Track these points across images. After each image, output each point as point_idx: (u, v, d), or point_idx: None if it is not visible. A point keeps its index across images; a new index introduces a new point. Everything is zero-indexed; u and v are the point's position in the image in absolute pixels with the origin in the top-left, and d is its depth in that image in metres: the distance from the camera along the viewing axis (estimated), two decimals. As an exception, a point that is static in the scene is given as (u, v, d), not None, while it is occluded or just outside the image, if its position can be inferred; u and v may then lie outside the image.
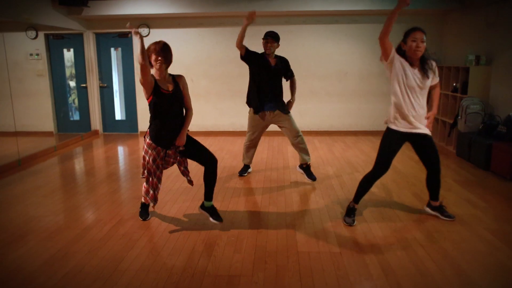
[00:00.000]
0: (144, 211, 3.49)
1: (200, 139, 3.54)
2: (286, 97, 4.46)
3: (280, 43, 4.27)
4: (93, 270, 2.63)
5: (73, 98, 7.75)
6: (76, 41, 7.41)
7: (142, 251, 2.89)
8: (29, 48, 7.05)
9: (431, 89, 3.24)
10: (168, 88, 3.09)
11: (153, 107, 3.07)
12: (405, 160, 5.29)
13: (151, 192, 3.23)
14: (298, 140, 4.37)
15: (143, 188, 3.28)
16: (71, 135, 7.17)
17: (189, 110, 3.28)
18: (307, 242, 3.00)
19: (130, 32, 7.35)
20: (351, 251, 2.85)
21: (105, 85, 7.67)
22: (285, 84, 4.44)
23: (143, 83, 2.97)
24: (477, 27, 5.87)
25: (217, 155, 5.67)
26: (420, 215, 3.50)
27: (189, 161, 3.50)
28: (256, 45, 4.45)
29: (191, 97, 3.33)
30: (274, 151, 6.04)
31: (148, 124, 3.22)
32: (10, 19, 5.59)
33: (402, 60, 3.03)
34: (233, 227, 3.28)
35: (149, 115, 3.16)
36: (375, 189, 4.15)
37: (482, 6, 5.72)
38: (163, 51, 3.01)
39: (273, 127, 4.89)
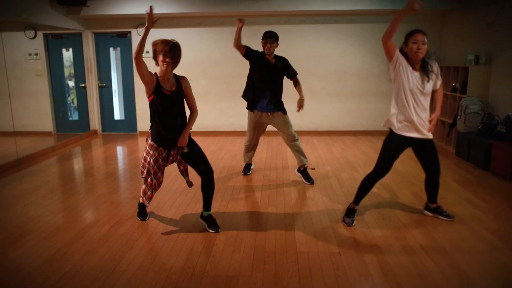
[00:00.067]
0: (142, 211, 3.48)
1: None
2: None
3: (279, 43, 4.27)
4: (92, 270, 2.63)
5: (72, 98, 7.74)
6: (75, 41, 7.40)
7: (141, 251, 2.88)
8: (28, 47, 7.04)
9: (433, 91, 3.22)
10: (170, 88, 3.03)
11: (153, 107, 3.05)
12: (405, 160, 5.28)
13: (149, 192, 3.22)
14: (294, 143, 4.39)
15: (142, 188, 3.28)
16: (70, 135, 7.16)
17: (193, 111, 3.23)
18: (306, 242, 2.99)
19: (129, 32, 7.35)
20: (351, 251, 2.85)
21: (104, 85, 7.65)
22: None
23: (142, 79, 2.91)
24: (477, 26, 5.87)
25: (216, 155, 5.68)
26: (420, 215, 3.49)
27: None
28: (256, 45, 4.44)
29: (191, 97, 3.32)
30: (273, 151, 6.03)
31: (147, 124, 3.20)
32: (9, 18, 5.58)
33: (405, 62, 3.02)
34: (232, 227, 3.27)
35: (148, 115, 3.14)
36: (375, 189, 4.14)
37: (482, 6, 5.72)
38: (172, 52, 2.90)
39: (273, 127, 4.88)
